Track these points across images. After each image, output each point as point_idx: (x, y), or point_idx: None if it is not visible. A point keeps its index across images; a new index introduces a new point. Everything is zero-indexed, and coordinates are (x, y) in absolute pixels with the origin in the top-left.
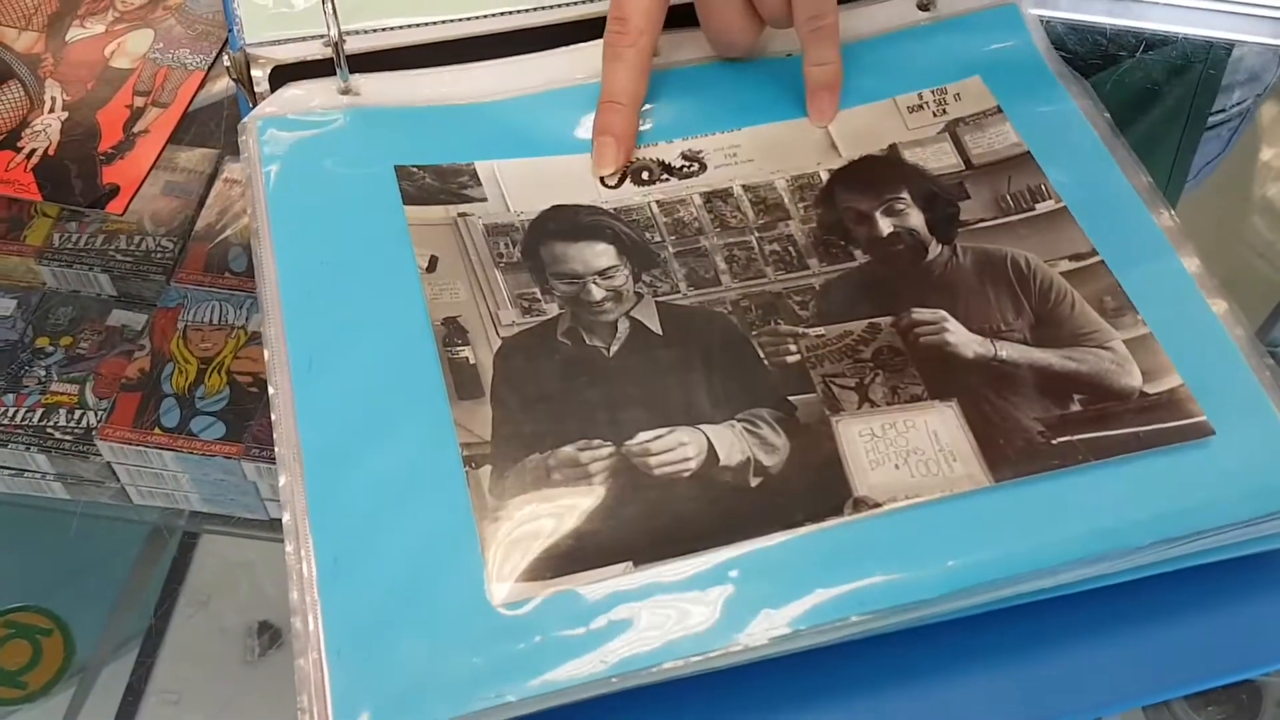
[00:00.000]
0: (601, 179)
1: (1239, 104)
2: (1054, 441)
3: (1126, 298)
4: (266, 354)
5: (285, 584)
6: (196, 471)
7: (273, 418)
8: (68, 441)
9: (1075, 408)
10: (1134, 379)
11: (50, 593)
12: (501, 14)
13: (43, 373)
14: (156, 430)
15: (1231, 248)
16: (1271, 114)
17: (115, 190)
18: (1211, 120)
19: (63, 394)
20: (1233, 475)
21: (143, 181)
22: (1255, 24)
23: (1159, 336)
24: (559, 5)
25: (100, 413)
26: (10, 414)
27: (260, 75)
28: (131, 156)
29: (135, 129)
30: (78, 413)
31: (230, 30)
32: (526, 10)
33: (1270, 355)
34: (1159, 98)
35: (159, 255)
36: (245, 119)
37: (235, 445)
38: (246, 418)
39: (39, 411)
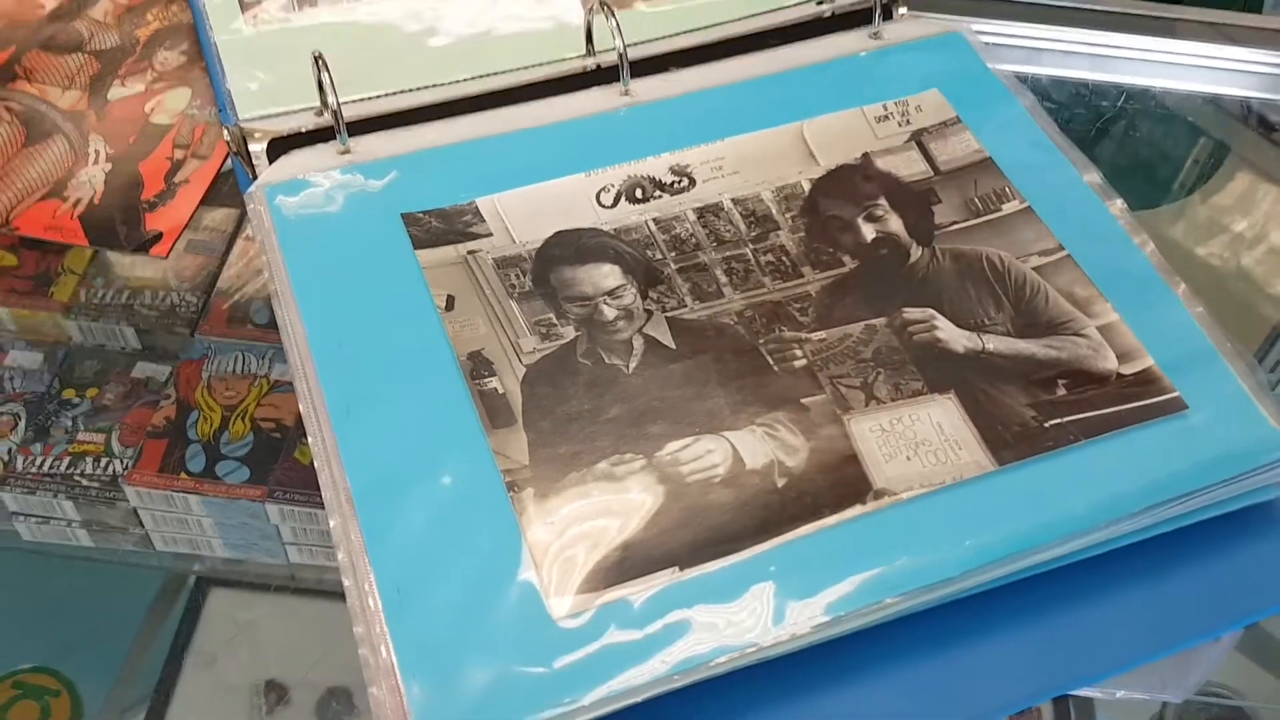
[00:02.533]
0: (597, 199)
1: None
2: (1046, 425)
3: (1094, 287)
4: (302, 406)
5: (291, 642)
6: (220, 515)
7: (316, 463)
8: (94, 489)
9: (1061, 392)
10: (1110, 362)
11: (59, 648)
12: (482, 76)
13: (70, 423)
14: (182, 475)
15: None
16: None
17: (158, 236)
18: None
19: (89, 443)
20: (1207, 442)
21: (185, 227)
22: (1227, 77)
23: (1127, 321)
24: (536, 65)
25: (126, 460)
26: (38, 463)
27: (258, 149)
28: (173, 204)
29: (176, 179)
30: (104, 460)
31: (221, 108)
32: (504, 72)
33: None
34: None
35: (183, 309)
36: (252, 188)
37: (259, 488)
38: (270, 462)
39: (66, 460)
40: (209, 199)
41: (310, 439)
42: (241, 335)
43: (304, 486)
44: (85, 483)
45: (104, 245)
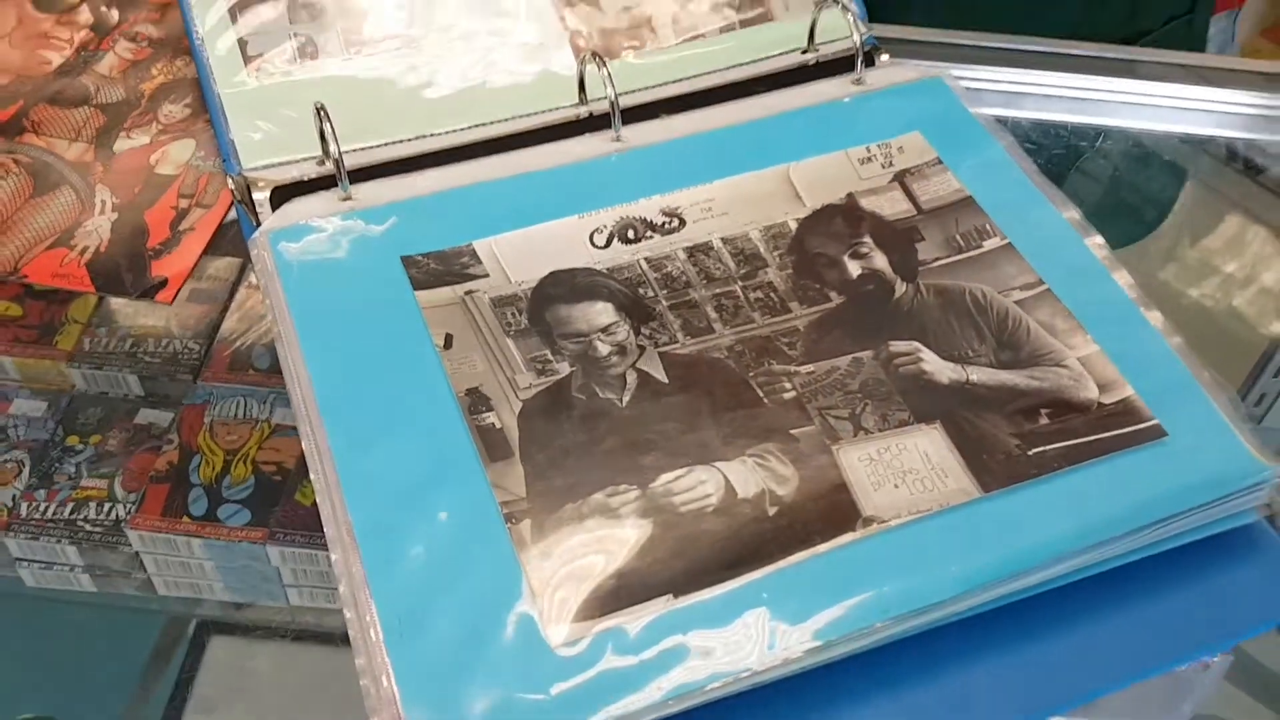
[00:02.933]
0: (590, 239)
1: None
2: (1030, 453)
3: (1074, 319)
4: (305, 444)
5: (291, 689)
6: (222, 558)
7: (318, 499)
8: (97, 533)
9: (1043, 421)
10: (1091, 392)
11: (60, 696)
12: (479, 125)
13: (73, 469)
14: (185, 518)
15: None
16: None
17: (163, 282)
18: None
19: (93, 488)
20: (1186, 468)
21: (190, 273)
22: (1202, 117)
23: (1107, 352)
24: (531, 114)
25: (129, 505)
26: (42, 508)
27: (261, 197)
28: (178, 252)
29: (181, 227)
30: (107, 505)
31: (225, 159)
32: (500, 121)
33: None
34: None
35: (186, 356)
36: (256, 234)
37: (260, 530)
38: (271, 504)
39: (70, 505)
40: (211, 249)
41: (313, 475)
42: (243, 381)
43: (304, 528)
44: (88, 528)
45: (110, 292)
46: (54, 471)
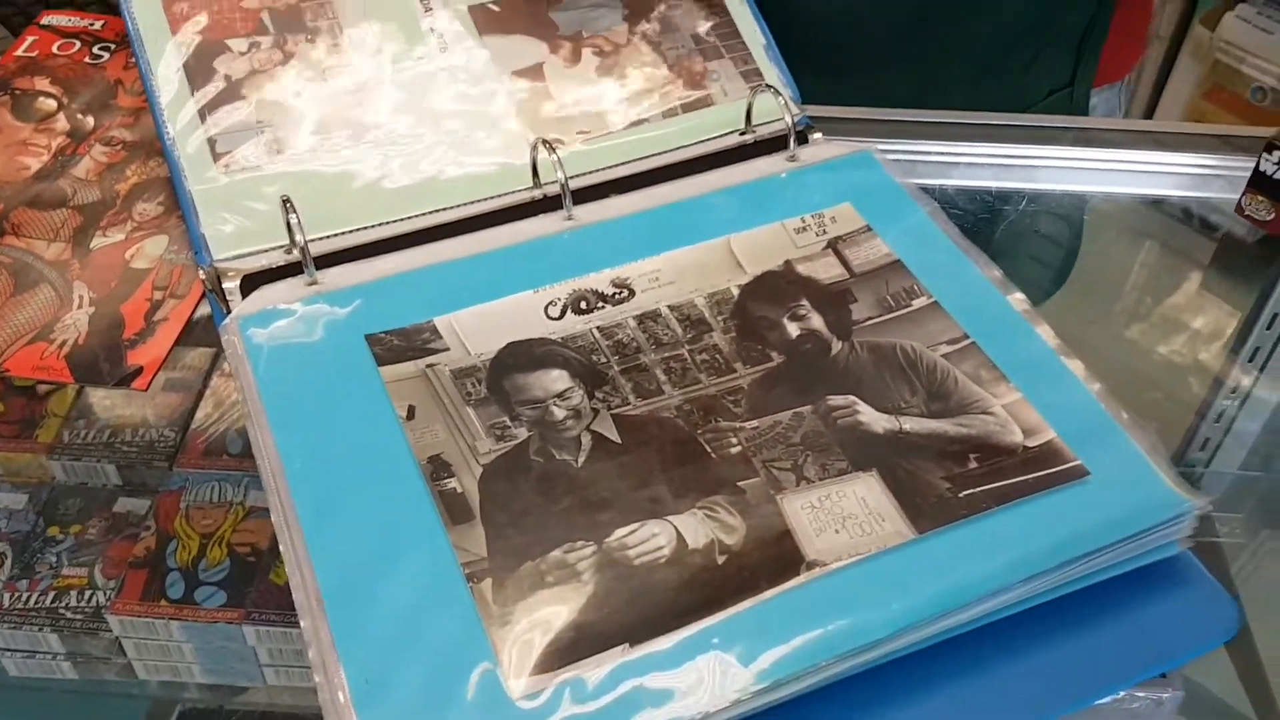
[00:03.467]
0: (545, 311)
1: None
2: (960, 494)
3: (999, 370)
4: (274, 517)
5: None
6: (200, 640)
7: (288, 570)
8: (78, 620)
9: (973, 465)
10: (1016, 436)
11: None
12: (437, 211)
13: (54, 559)
14: (163, 602)
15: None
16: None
17: (139, 370)
18: None
19: (73, 577)
20: (1109, 504)
21: (164, 361)
22: (1113, 177)
23: (1030, 399)
24: (485, 199)
25: (109, 591)
26: (24, 598)
27: (231, 286)
28: (153, 341)
29: (155, 318)
30: (88, 593)
31: (197, 251)
32: (458, 205)
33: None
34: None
35: (162, 445)
36: (226, 320)
37: (236, 610)
38: (246, 584)
39: (51, 594)
40: (185, 340)
41: (282, 546)
42: (217, 466)
43: (279, 607)
44: (69, 615)
45: (89, 382)
46: (36, 562)
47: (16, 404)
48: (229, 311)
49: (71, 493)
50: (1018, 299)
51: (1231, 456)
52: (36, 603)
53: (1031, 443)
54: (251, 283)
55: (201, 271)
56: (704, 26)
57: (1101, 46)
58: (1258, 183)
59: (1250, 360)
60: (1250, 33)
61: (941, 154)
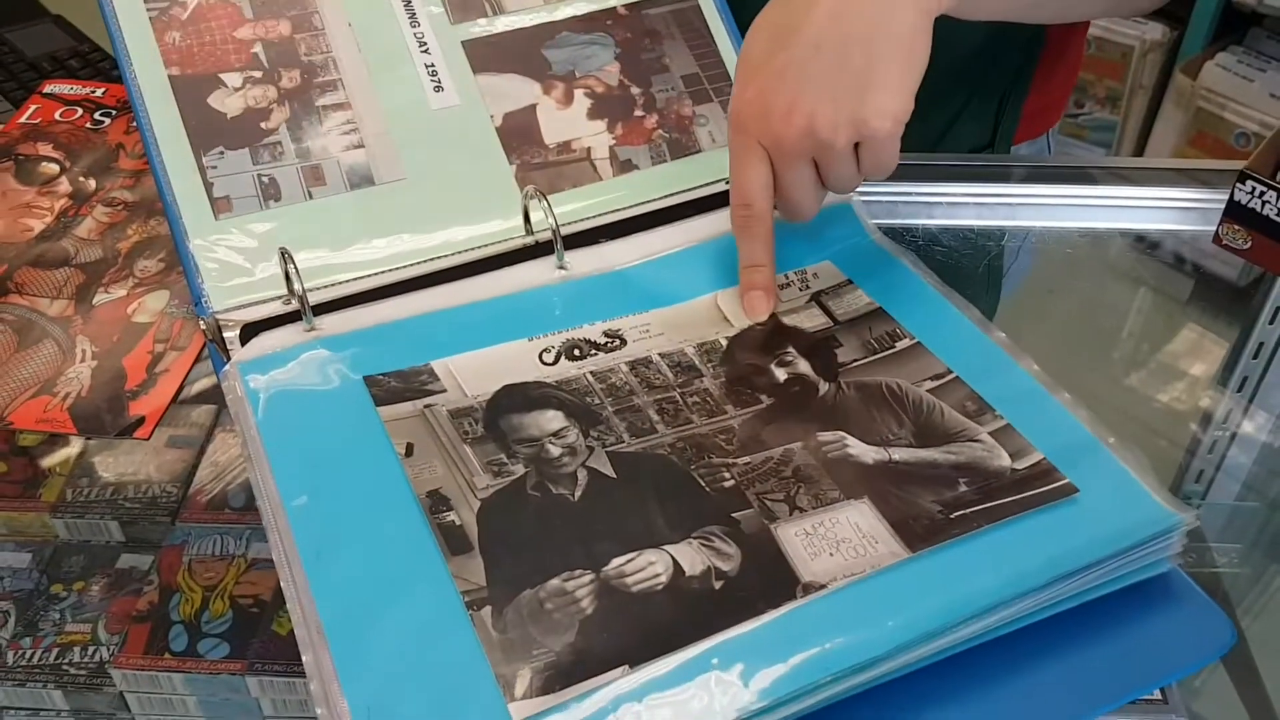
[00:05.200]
0: (540, 358)
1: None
2: (952, 516)
3: (983, 401)
4: (275, 554)
5: None
6: (203, 692)
7: (288, 604)
8: (82, 676)
9: (963, 489)
10: (1004, 460)
11: None
12: (431, 260)
13: (57, 616)
14: (166, 655)
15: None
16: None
17: (141, 420)
18: None
19: (76, 633)
20: (1099, 521)
21: (166, 410)
22: (1036, 211)
23: (1016, 426)
24: (478, 247)
25: (112, 646)
26: (28, 655)
27: (231, 335)
28: (154, 392)
29: (157, 369)
30: (91, 648)
31: (197, 301)
32: (450, 255)
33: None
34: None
35: (164, 500)
36: (227, 367)
37: (239, 662)
38: (249, 636)
39: (54, 651)
40: (188, 399)
41: (283, 583)
42: (220, 520)
43: (283, 657)
44: (73, 671)
45: (91, 433)
46: (39, 619)
47: (19, 463)
48: (229, 360)
49: (74, 550)
50: (999, 337)
51: (1227, 488)
52: (40, 660)
53: (1020, 465)
54: (251, 332)
55: (202, 322)
56: (693, 66)
57: (1023, 103)
58: (1233, 212)
59: (1239, 390)
60: (1231, 80)
61: (921, 194)
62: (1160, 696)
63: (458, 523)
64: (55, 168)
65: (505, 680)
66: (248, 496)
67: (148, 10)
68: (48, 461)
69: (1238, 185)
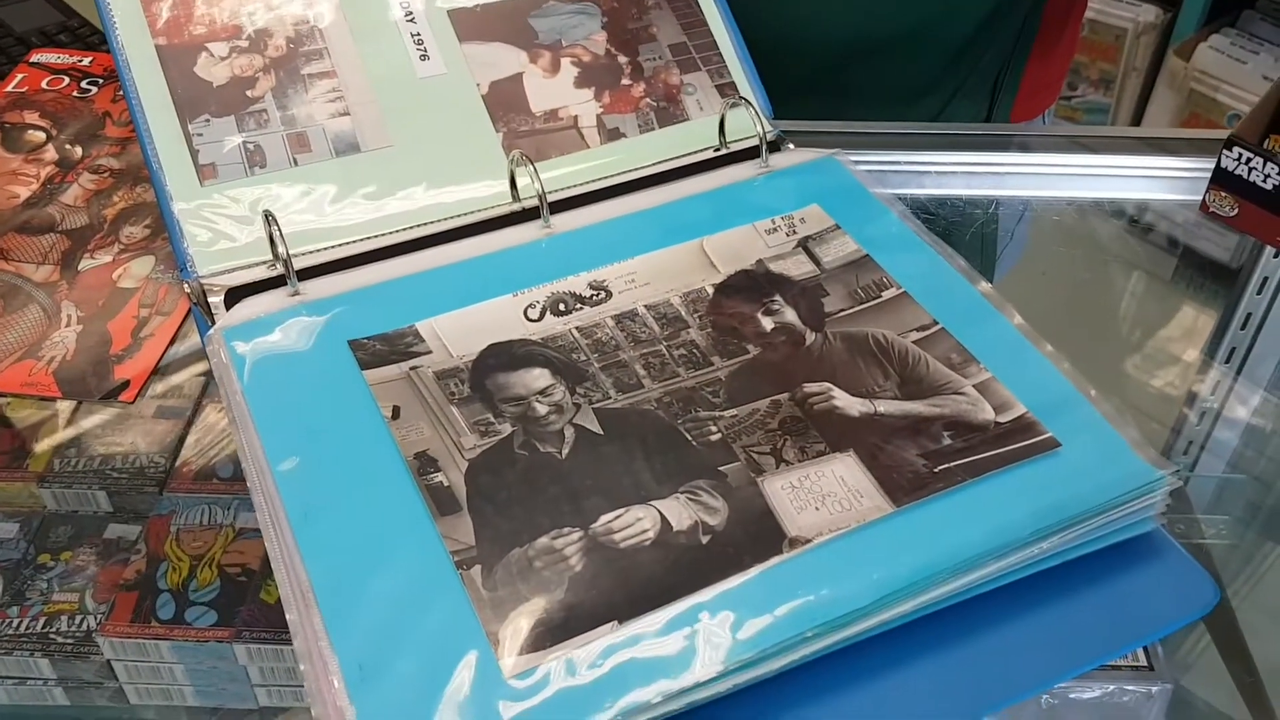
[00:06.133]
0: (525, 314)
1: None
2: (936, 469)
3: (968, 353)
4: (260, 517)
5: None
6: (191, 660)
7: (274, 567)
8: (69, 645)
9: (947, 442)
10: (988, 414)
11: None
12: (417, 226)
13: (45, 585)
14: (153, 622)
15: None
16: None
17: (125, 384)
18: None
19: (64, 602)
20: (1081, 474)
21: (151, 373)
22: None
23: (1000, 378)
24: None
25: (99, 615)
26: (15, 624)
27: (216, 300)
28: (139, 356)
29: (142, 334)
30: (78, 617)
31: (182, 266)
32: (436, 221)
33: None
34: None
35: (152, 470)
36: (211, 332)
37: (227, 630)
38: (237, 604)
39: (41, 620)
40: (175, 369)
41: (268, 544)
42: (207, 490)
43: (270, 625)
44: (60, 640)
45: (75, 397)
46: (26, 589)
47: (6, 434)
48: (213, 324)
49: (62, 520)
50: (984, 288)
51: (1215, 460)
52: (27, 629)
53: (1003, 418)
54: (236, 297)
55: (186, 286)
56: (680, 35)
57: (1017, 86)
58: (1220, 179)
59: (1227, 362)
60: (1224, 62)
61: (911, 164)
62: (1146, 663)
63: (445, 484)
64: (42, 135)
65: (495, 637)
66: (235, 467)
67: None
68: (35, 432)
69: (1224, 152)
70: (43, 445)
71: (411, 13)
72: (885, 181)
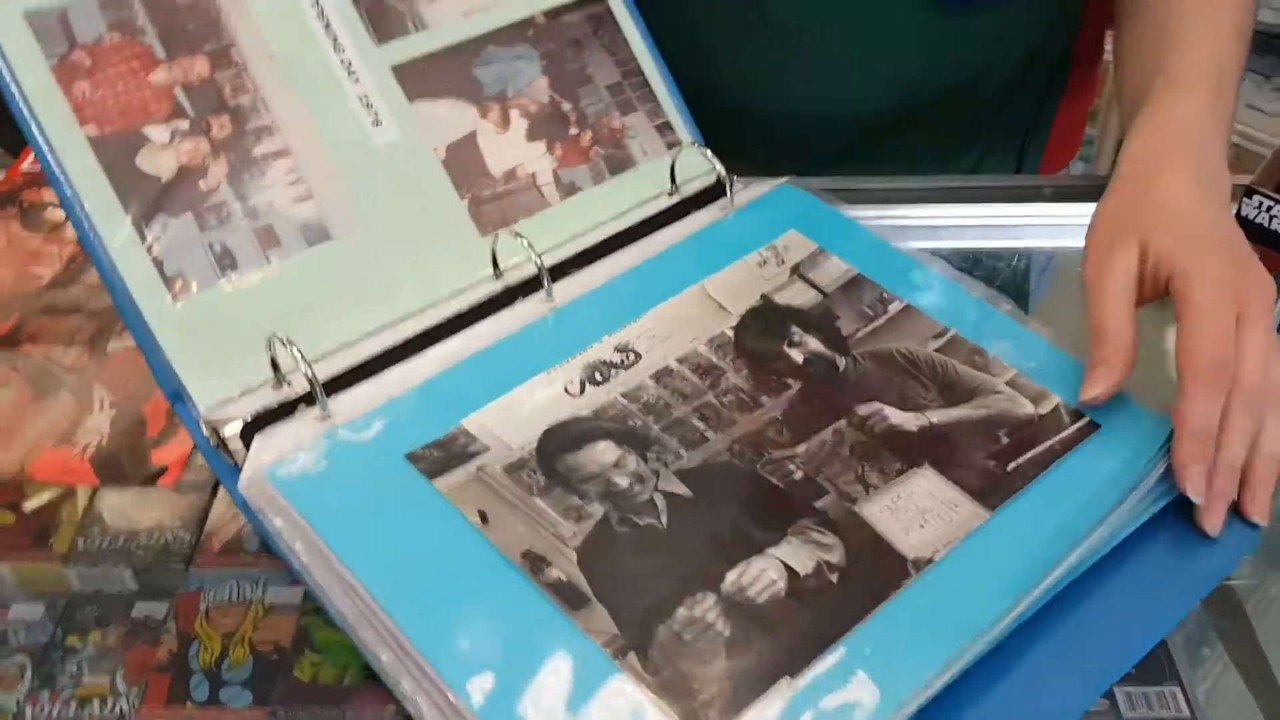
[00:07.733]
0: (565, 390)
1: None
2: (1008, 469)
3: (987, 353)
4: (384, 656)
5: None
6: None
7: (400, 693)
8: None
9: (1005, 441)
10: (1027, 408)
11: None
12: (415, 315)
13: (75, 668)
14: (188, 704)
15: None
16: None
17: (164, 469)
18: None
19: (95, 686)
20: (1122, 446)
21: (190, 456)
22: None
23: (1025, 373)
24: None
25: (133, 698)
26: (47, 710)
27: (232, 434)
28: (177, 438)
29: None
30: (110, 701)
31: (173, 396)
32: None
33: None
34: None
35: (177, 546)
36: (249, 474)
37: (262, 709)
38: (270, 683)
39: (73, 705)
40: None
41: (395, 680)
42: (235, 565)
43: (305, 702)
44: None
45: (114, 483)
46: (56, 672)
47: (29, 514)
48: (234, 463)
49: (89, 600)
50: (972, 283)
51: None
52: (59, 714)
53: (1042, 410)
54: (250, 428)
55: (203, 425)
56: (615, 74)
57: (1045, 143)
58: (1241, 228)
59: None
60: None
61: (923, 218)
62: (1189, 714)
63: (564, 578)
64: (61, 214)
65: (680, 715)
66: (262, 540)
67: (46, 59)
68: (58, 511)
69: (1245, 200)
70: (65, 524)
71: (355, 73)
72: (901, 236)
